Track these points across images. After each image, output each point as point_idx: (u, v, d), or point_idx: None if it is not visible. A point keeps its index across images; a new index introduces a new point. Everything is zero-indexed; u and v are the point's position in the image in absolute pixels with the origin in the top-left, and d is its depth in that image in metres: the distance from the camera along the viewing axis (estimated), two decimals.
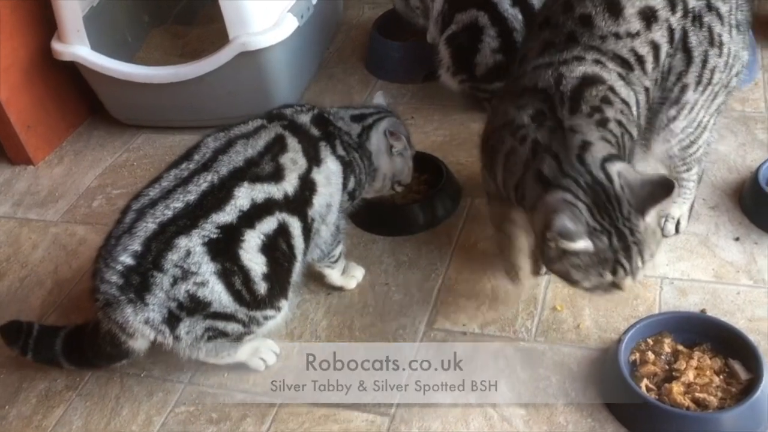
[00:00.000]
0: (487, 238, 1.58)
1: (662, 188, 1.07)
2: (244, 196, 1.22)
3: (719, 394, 1.16)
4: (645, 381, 1.19)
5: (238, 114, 1.98)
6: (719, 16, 1.29)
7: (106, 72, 1.98)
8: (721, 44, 1.32)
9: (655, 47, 1.22)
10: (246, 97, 1.97)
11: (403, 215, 1.64)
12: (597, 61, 1.17)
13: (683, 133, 1.34)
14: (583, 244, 1.07)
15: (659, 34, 1.22)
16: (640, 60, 1.21)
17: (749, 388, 1.15)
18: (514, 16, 1.75)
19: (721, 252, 1.44)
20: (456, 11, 1.83)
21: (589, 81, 1.16)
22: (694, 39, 1.27)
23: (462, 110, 2.00)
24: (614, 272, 1.10)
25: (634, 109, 1.20)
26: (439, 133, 1.93)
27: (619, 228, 1.08)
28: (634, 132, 1.21)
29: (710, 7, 1.28)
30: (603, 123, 1.14)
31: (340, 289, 1.51)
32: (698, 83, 1.31)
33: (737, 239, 1.46)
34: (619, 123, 1.16)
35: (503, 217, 1.34)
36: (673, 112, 1.30)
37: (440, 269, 1.53)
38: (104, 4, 2.09)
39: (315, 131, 1.36)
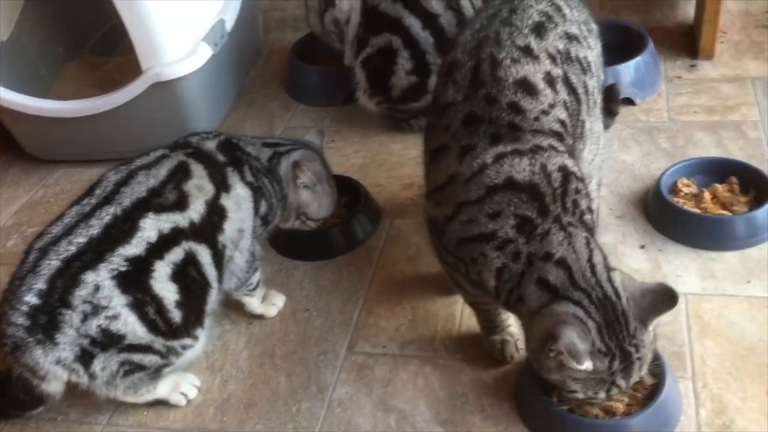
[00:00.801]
0: (406, 258, 1.61)
1: (666, 298, 1.06)
2: (150, 227, 1.22)
3: (626, 400, 1.20)
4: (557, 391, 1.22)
5: (157, 144, 1.98)
6: (576, 39, 1.33)
7: (18, 108, 1.95)
8: (588, 64, 1.34)
9: (566, 105, 1.24)
10: (164, 127, 1.95)
11: (323, 239, 1.65)
12: (553, 147, 1.16)
13: (590, 154, 1.38)
14: (587, 365, 1.04)
15: (563, 92, 1.24)
16: (564, 124, 1.22)
17: (653, 392, 1.19)
18: (426, 39, 1.79)
19: (628, 260, 1.49)
20: (370, 35, 1.86)
21: (565, 174, 1.14)
22: (573, 77, 1.29)
23: (381, 131, 2.02)
24: (608, 391, 1.10)
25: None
26: (359, 155, 1.95)
27: (624, 348, 1.06)
28: (594, 205, 1.21)
29: (569, 37, 1.31)
30: (582, 217, 1.13)
31: (260, 317, 1.50)
32: (588, 111, 1.35)
33: (643, 247, 1.52)
34: (589, 210, 1.15)
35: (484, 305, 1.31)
36: (580, 146, 1.34)
37: (361, 292, 1.54)
38: (15, 39, 2.06)
39: (221, 157, 1.36)
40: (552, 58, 1.26)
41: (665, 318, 1.34)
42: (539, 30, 1.28)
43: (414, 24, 1.79)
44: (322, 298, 1.54)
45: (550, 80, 1.23)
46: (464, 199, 1.15)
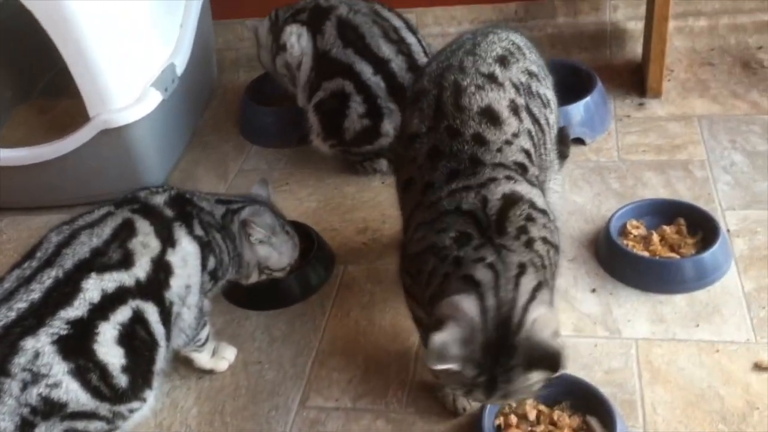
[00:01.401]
0: (360, 307, 1.59)
1: (549, 363, 1.01)
2: (93, 287, 1.18)
3: None
4: None
5: (108, 190, 1.95)
6: (536, 77, 1.37)
7: None
8: (548, 101, 1.40)
9: (530, 134, 1.25)
10: (113, 174, 1.93)
11: (277, 288, 1.63)
12: (509, 178, 1.16)
13: (556, 185, 1.41)
14: (448, 366, 1.01)
15: (527, 122, 1.25)
16: (528, 154, 1.22)
17: None
18: (377, 84, 1.80)
19: (579, 305, 1.50)
20: (323, 79, 1.86)
21: (510, 201, 1.13)
22: (535, 109, 1.33)
23: (335, 174, 2.01)
24: (467, 394, 1.09)
25: (550, 213, 1.19)
26: (313, 198, 1.94)
27: (494, 375, 1.03)
28: (557, 239, 1.19)
29: (530, 73, 1.36)
30: (529, 244, 1.11)
31: (211, 372, 1.47)
32: (551, 143, 1.39)
33: (594, 290, 1.53)
34: (544, 240, 1.14)
35: None
36: (546, 175, 1.35)
37: (313, 342, 1.52)
38: None
39: (169, 212, 1.33)
40: (516, 87, 1.28)
41: (616, 364, 1.37)
42: (503, 61, 1.31)
43: (365, 69, 1.80)
44: (274, 350, 1.52)
45: (514, 108, 1.24)
46: (421, 221, 1.19)
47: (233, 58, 2.60)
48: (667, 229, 1.59)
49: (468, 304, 1.04)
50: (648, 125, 1.99)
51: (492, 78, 1.26)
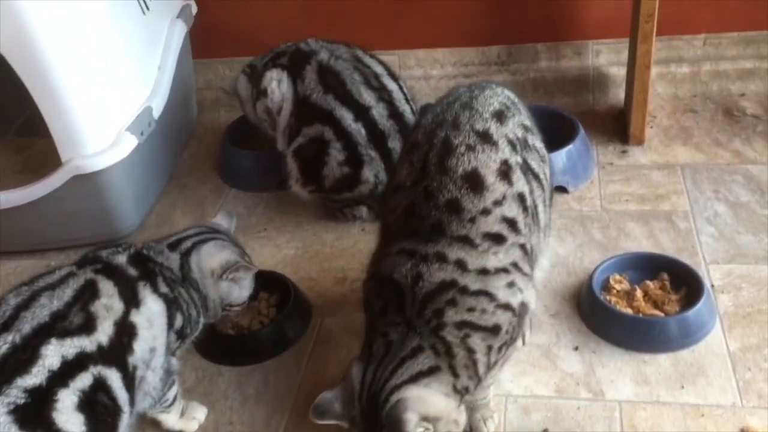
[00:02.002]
0: (336, 362, 1.55)
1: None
2: (53, 353, 1.13)
3: None
4: None
5: (81, 235, 1.91)
6: (531, 131, 1.36)
7: None
8: (544, 155, 1.38)
9: (521, 197, 1.22)
10: (87, 219, 1.89)
11: (251, 343, 1.58)
12: (459, 263, 1.14)
13: (549, 249, 1.39)
14: (329, 422, 1.16)
15: (521, 183, 1.22)
16: (511, 223, 1.19)
17: None
18: (358, 131, 1.77)
19: (562, 363, 1.46)
20: (302, 125, 1.83)
21: (442, 287, 1.13)
22: (533, 163, 1.30)
23: (314, 220, 1.98)
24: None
25: (500, 291, 1.16)
26: (291, 245, 1.90)
27: None
28: (502, 320, 1.17)
29: (525, 127, 1.34)
30: (438, 329, 1.12)
31: None
32: (549, 198, 1.37)
33: (576, 348, 1.49)
34: (464, 324, 1.13)
35: None
36: (536, 239, 1.31)
37: (288, 401, 1.47)
38: None
39: (133, 271, 1.28)
40: (512, 144, 1.25)
41: (600, 429, 1.33)
42: (500, 116, 1.28)
43: (346, 116, 1.77)
44: (246, 410, 1.46)
45: (504, 171, 1.21)
46: (371, 273, 1.25)
47: (213, 98, 2.57)
48: (651, 285, 1.56)
49: (356, 371, 1.14)
50: (631, 173, 1.97)
51: (486, 137, 1.23)
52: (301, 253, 1.87)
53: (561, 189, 1.91)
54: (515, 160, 1.24)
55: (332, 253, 1.86)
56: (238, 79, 2.10)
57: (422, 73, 2.46)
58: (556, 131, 2.04)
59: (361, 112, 1.77)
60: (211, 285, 1.38)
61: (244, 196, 2.13)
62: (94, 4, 1.81)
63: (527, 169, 1.28)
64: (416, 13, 2.39)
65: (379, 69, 1.83)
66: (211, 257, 1.38)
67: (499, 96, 1.34)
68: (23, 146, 2.25)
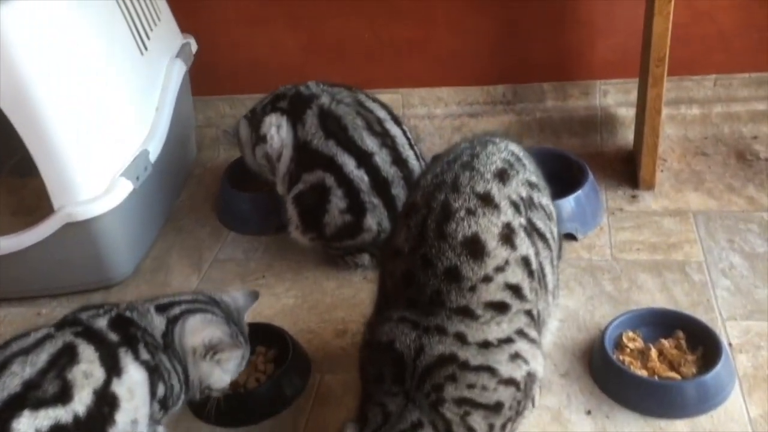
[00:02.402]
0: (337, 423, 1.47)
1: None
2: (26, 427, 1.06)
3: None
4: None
5: (73, 283, 1.85)
6: (537, 187, 1.30)
7: None
8: (551, 212, 1.33)
9: (526, 261, 1.16)
10: (79, 266, 1.83)
11: (247, 402, 1.51)
12: (458, 336, 1.09)
13: (558, 309, 1.34)
14: None
15: (525, 246, 1.17)
16: (516, 289, 1.14)
17: None
18: (360, 177, 1.71)
19: (573, 428, 1.39)
20: (303, 171, 1.78)
21: (442, 361, 1.09)
22: (539, 222, 1.25)
23: (314, 266, 1.91)
24: None
25: (502, 365, 1.11)
26: (290, 294, 1.83)
27: None
28: (504, 396, 1.12)
29: (530, 184, 1.29)
30: (437, 404, 1.08)
31: None
32: (557, 258, 1.32)
33: (589, 413, 1.42)
34: (463, 401, 1.08)
35: None
36: (543, 303, 1.25)
37: None
38: None
39: (113, 336, 1.20)
40: (515, 206, 1.20)
41: None
42: (502, 176, 1.22)
43: (348, 162, 1.71)
44: None
45: (506, 235, 1.15)
46: (368, 339, 1.21)
47: (213, 136, 2.52)
48: (666, 344, 1.49)
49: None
50: (641, 220, 1.91)
51: (487, 199, 1.18)
52: (301, 303, 1.80)
53: (569, 236, 1.85)
54: (519, 222, 1.19)
55: (333, 303, 1.79)
56: (239, 123, 2.05)
57: (426, 112, 2.41)
58: (563, 175, 1.99)
59: (364, 159, 1.71)
60: (191, 363, 1.29)
61: (243, 239, 2.07)
62: (91, 46, 1.76)
63: (532, 230, 1.22)
64: (419, 52, 2.35)
65: (381, 114, 1.78)
66: (194, 333, 1.27)
67: (501, 152, 1.29)
68: (17, 186, 2.20)
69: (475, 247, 1.13)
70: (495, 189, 1.20)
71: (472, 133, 2.32)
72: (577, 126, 2.28)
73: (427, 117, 2.38)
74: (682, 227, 1.86)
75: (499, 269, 1.13)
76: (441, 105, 2.41)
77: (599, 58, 2.26)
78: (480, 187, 1.19)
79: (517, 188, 1.24)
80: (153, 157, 1.90)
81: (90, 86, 1.75)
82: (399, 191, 1.73)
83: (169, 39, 2.17)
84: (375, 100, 1.82)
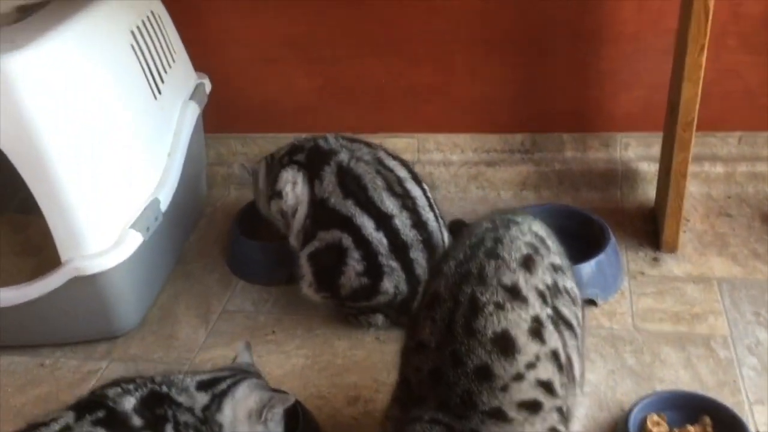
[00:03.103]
0: None
1: None
2: None
3: None
4: None
5: (77, 334, 1.80)
6: (561, 270, 1.27)
7: None
8: (575, 295, 1.29)
9: (555, 355, 1.12)
10: (85, 318, 1.78)
11: None
12: None
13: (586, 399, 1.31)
14: None
15: (553, 339, 1.13)
16: (548, 385, 1.09)
17: None
18: (379, 240, 1.66)
19: None
20: (319, 228, 1.72)
21: None
22: (564, 309, 1.21)
23: (326, 323, 1.86)
24: None
25: None
26: (300, 353, 1.78)
27: None
28: None
29: (555, 268, 1.25)
30: None
31: None
32: (582, 346, 1.27)
33: None
34: None
35: None
36: (570, 398, 1.20)
37: None
38: None
39: (137, 420, 1.15)
40: (542, 296, 1.16)
41: None
42: (528, 263, 1.18)
43: (366, 224, 1.66)
44: None
45: (536, 329, 1.12)
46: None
47: (224, 174, 2.47)
48: (692, 430, 1.43)
49: None
50: (664, 286, 1.85)
51: (515, 292, 1.13)
52: (311, 364, 1.75)
53: (590, 302, 1.80)
54: (546, 313, 1.15)
55: (344, 366, 1.73)
56: (259, 164, 2.00)
57: (442, 158, 2.36)
58: (583, 234, 1.95)
59: (383, 221, 1.66)
60: (245, 429, 1.25)
61: (252, 289, 2.02)
62: (103, 93, 1.72)
63: (558, 319, 1.18)
64: (437, 97, 2.30)
65: (402, 173, 1.72)
66: (247, 398, 1.24)
67: (525, 235, 1.25)
68: (22, 224, 2.15)
69: (506, 344, 1.09)
70: (522, 280, 1.16)
71: (488, 182, 2.29)
72: (597, 179, 2.23)
73: (443, 164, 2.33)
74: (707, 296, 1.81)
75: (530, 366, 1.09)
76: (457, 151, 2.36)
77: (621, 110, 2.22)
78: (507, 279, 1.15)
79: (542, 276, 1.20)
80: (164, 206, 1.85)
81: (101, 134, 1.70)
82: (417, 255, 1.67)
83: (183, 80, 2.12)
84: (395, 158, 1.76)
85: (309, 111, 2.39)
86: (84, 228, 1.65)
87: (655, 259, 1.95)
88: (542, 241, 1.28)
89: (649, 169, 2.19)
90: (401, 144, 2.38)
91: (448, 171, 2.32)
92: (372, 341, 1.79)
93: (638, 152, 2.24)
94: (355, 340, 1.80)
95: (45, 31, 1.61)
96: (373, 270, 1.67)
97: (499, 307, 1.12)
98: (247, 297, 1.99)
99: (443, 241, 1.73)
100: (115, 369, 1.78)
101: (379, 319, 1.78)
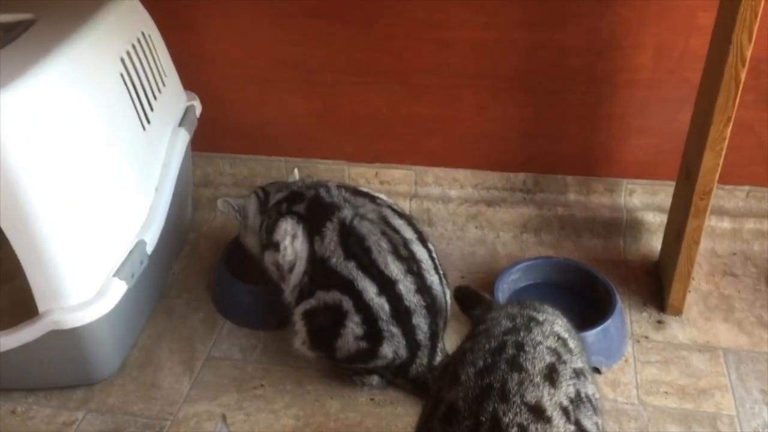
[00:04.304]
0: None
1: None
2: None
3: None
4: None
5: (52, 383, 1.69)
6: (583, 374, 1.20)
7: None
8: (596, 401, 1.21)
9: None
10: (61, 367, 1.67)
11: None
12: None
13: None
14: None
15: None
16: None
17: None
18: (381, 305, 1.56)
19: None
20: (318, 288, 1.62)
21: None
22: (586, 421, 1.14)
23: (317, 378, 1.77)
24: None
25: None
26: (290, 412, 1.69)
27: None
28: None
29: (577, 373, 1.18)
30: None
31: None
32: None
33: None
34: None
35: None
36: None
37: None
38: None
39: None
40: (565, 412, 1.09)
41: None
42: (552, 375, 1.12)
43: (369, 288, 1.56)
44: None
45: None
46: None
47: (210, 196, 2.34)
48: None
49: None
50: (669, 354, 1.80)
51: (539, 412, 1.06)
52: (301, 426, 1.66)
53: (594, 370, 1.72)
54: (568, 428, 1.08)
55: (336, 430, 1.65)
56: (248, 199, 1.90)
57: (440, 193, 2.27)
58: (587, 293, 1.89)
59: (387, 286, 1.56)
60: None
61: (239, 333, 1.91)
62: (89, 130, 1.58)
63: (579, 431, 1.11)
64: (439, 130, 2.20)
65: (408, 234, 1.62)
66: None
67: (547, 338, 1.18)
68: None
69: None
70: (546, 396, 1.09)
71: (488, 222, 2.21)
72: (600, 227, 2.16)
73: (441, 200, 2.24)
74: (712, 368, 1.76)
75: None
76: (456, 186, 2.27)
77: (629, 157, 2.14)
78: (530, 396, 1.08)
79: (566, 388, 1.13)
80: (150, 248, 1.73)
81: (85, 176, 1.57)
82: (420, 320, 1.59)
83: (173, 105, 1.99)
84: (401, 216, 1.66)
85: (304, 135, 2.27)
86: (64, 278, 1.53)
87: (660, 322, 1.89)
88: (564, 343, 1.20)
89: (654, 219, 2.12)
90: (398, 175, 2.29)
91: (447, 208, 2.23)
92: (366, 402, 1.71)
93: (644, 200, 2.17)
94: (348, 400, 1.71)
95: (29, 64, 1.47)
96: (373, 335, 1.58)
97: (523, 430, 1.04)
98: (234, 342, 1.89)
99: (447, 305, 1.65)
100: (92, 421, 1.68)
101: (375, 379, 1.70)
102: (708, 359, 1.78)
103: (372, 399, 1.71)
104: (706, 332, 1.86)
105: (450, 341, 1.77)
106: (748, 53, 1.51)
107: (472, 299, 1.52)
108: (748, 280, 2.01)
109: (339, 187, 1.69)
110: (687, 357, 1.79)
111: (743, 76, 1.54)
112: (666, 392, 1.71)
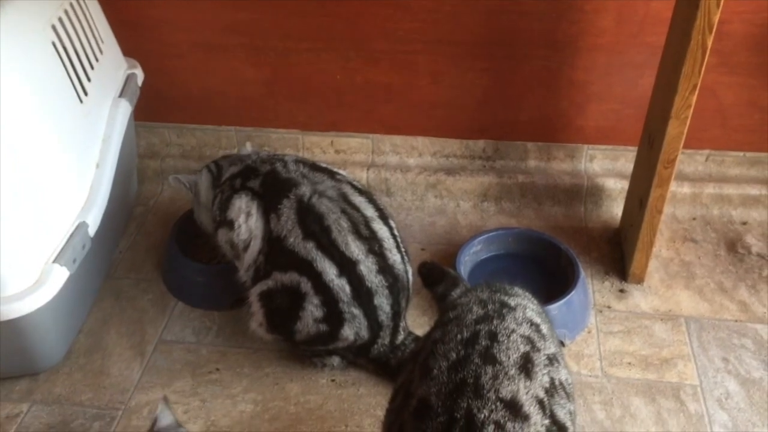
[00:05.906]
0: None
1: None
2: None
3: None
4: None
5: None
6: (556, 360, 1.16)
7: None
8: (569, 385, 1.17)
9: None
10: (2, 359, 1.56)
11: None
12: None
13: None
14: None
15: None
16: None
17: None
18: (341, 287, 1.49)
19: None
20: (274, 269, 1.54)
21: None
22: (560, 411, 1.09)
23: (276, 359, 1.70)
24: None
25: None
26: (248, 397, 1.63)
27: None
28: None
29: (550, 360, 1.13)
30: None
31: None
32: None
33: None
34: None
35: None
36: None
37: None
38: None
39: None
40: (542, 406, 1.05)
41: None
42: (527, 366, 1.07)
43: (328, 270, 1.49)
44: None
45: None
46: None
47: (156, 168, 2.23)
48: None
49: None
50: (631, 324, 1.78)
51: (515, 407, 1.01)
52: (260, 411, 1.60)
53: (559, 343, 1.70)
54: (545, 424, 1.04)
55: (297, 414, 1.59)
56: (200, 175, 1.80)
57: (398, 161, 2.20)
58: (549, 261, 1.86)
59: (347, 267, 1.49)
60: None
61: (192, 314, 1.83)
62: (19, 105, 1.45)
63: (553, 425, 1.08)
64: (395, 97, 2.12)
65: (369, 212, 1.55)
66: None
67: (521, 326, 1.13)
68: None
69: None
70: (522, 390, 1.04)
71: (447, 191, 2.15)
72: (561, 194, 2.12)
73: (400, 169, 2.17)
74: (675, 337, 1.75)
75: None
76: (415, 154, 2.20)
77: (590, 122, 2.10)
78: (505, 391, 1.03)
79: (542, 379, 1.08)
80: (93, 230, 1.62)
81: (18, 155, 1.45)
82: (382, 301, 1.53)
83: (112, 74, 1.86)
84: (362, 192, 1.58)
85: (255, 104, 2.17)
86: (0, 268, 1.42)
87: (622, 291, 1.87)
88: (537, 329, 1.16)
89: (615, 186, 2.09)
90: (355, 144, 2.21)
91: (405, 177, 2.16)
92: (327, 384, 1.65)
93: (604, 165, 2.14)
94: (308, 383, 1.66)
95: None
96: (333, 317, 1.52)
97: (500, 427, 1.00)
98: (187, 324, 1.81)
99: (409, 283, 1.60)
100: (37, 413, 1.59)
101: (336, 360, 1.64)
102: (670, 328, 1.77)
103: (333, 380, 1.66)
104: (668, 300, 1.85)
105: (411, 318, 1.73)
106: (716, 19, 1.46)
107: (437, 275, 1.46)
108: (708, 245, 2.00)
109: (297, 161, 1.61)
110: (649, 326, 1.78)
111: (710, 42, 1.50)
112: (629, 363, 1.69)
